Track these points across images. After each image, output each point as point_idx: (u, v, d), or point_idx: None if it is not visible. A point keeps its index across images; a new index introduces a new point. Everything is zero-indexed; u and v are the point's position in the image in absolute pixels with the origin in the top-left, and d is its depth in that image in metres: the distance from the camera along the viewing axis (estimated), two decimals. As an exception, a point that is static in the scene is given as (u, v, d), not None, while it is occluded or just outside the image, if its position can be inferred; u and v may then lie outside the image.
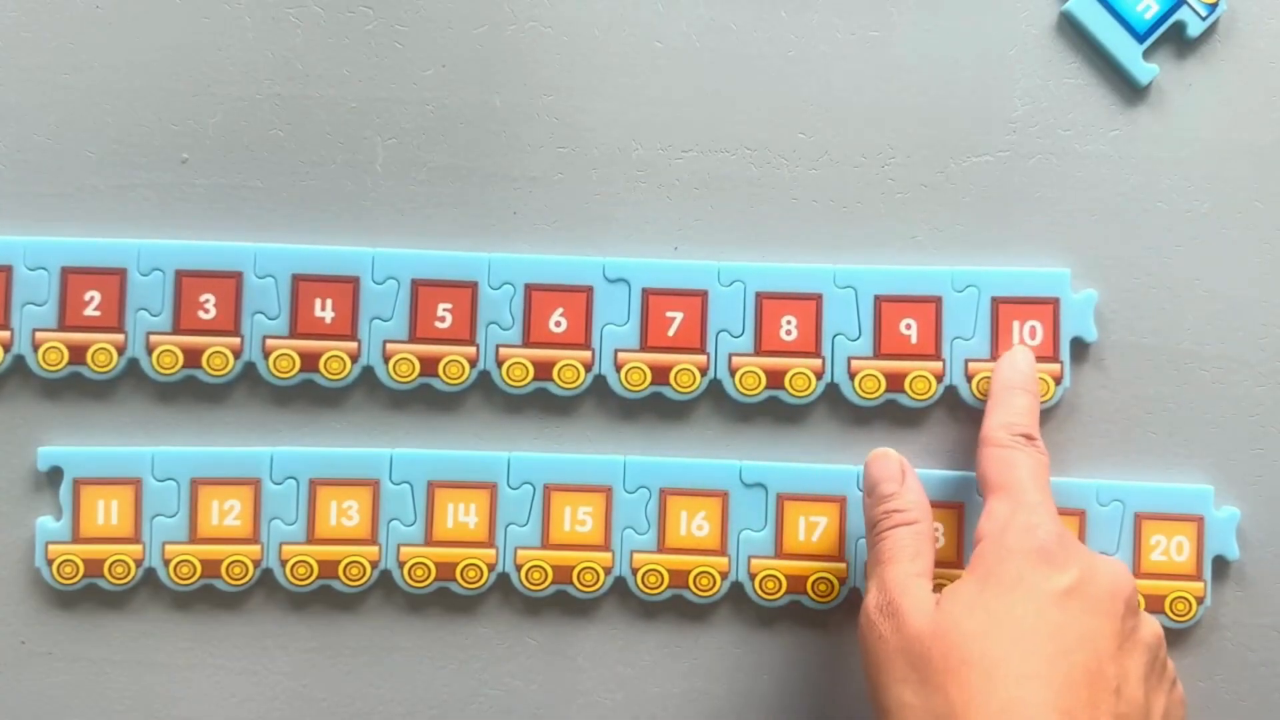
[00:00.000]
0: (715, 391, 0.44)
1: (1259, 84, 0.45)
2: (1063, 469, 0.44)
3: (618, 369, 0.44)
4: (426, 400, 0.44)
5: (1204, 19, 0.45)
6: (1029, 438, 0.40)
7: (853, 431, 0.44)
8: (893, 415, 0.44)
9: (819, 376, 0.44)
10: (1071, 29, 0.45)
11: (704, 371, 0.44)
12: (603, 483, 0.44)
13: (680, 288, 0.44)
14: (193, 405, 0.44)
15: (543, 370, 0.44)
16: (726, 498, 0.43)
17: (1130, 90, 0.45)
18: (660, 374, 0.44)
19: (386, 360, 0.44)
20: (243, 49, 0.45)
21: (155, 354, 0.43)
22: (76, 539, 0.43)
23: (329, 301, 0.43)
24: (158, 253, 0.43)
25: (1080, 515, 0.43)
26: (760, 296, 0.44)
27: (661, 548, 0.43)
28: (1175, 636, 0.44)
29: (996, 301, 0.44)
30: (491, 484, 0.44)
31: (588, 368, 0.44)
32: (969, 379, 0.44)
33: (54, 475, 0.44)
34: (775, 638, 0.44)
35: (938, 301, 0.44)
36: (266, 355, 0.43)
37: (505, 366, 0.44)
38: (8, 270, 0.43)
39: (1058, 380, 0.44)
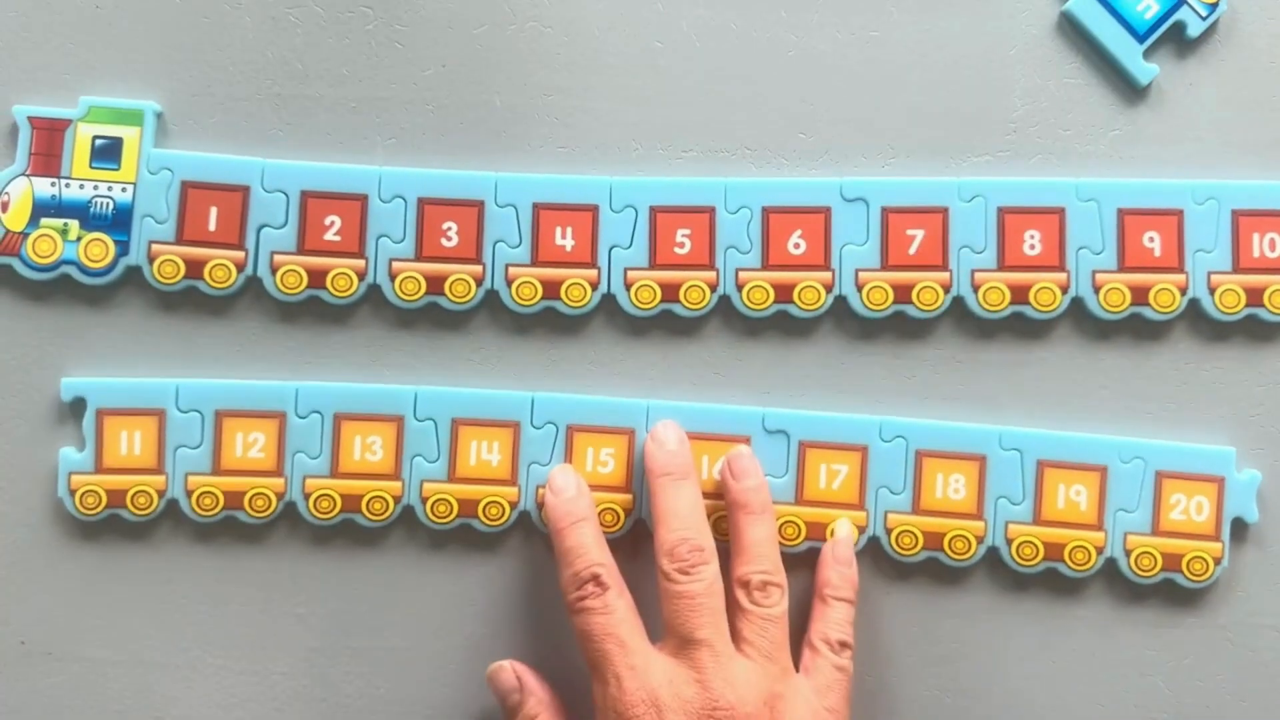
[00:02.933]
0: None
1: (1259, 84, 0.45)
2: (1086, 423, 0.44)
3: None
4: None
5: (1204, 19, 0.45)
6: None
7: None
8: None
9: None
10: (1071, 29, 0.45)
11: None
12: (625, 425, 0.44)
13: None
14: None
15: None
16: (749, 443, 0.43)
17: (1130, 90, 0.45)
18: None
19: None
20: (243, 49, 0.45)
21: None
22: (99, 470, 0.43)
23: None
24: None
25: (1102, 471, 0.43)
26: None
27: None
28: (1191, 596, 0.44)
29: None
30: (515, 423, 0.44)
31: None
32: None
33: (77, 406, 0.44)
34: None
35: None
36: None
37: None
38: None
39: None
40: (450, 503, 0.44)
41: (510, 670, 0.42)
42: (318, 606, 0.44)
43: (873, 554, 0.44)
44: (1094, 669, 0.44)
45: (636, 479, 0.44)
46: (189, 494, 0.43)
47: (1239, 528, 0.44)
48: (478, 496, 0.44)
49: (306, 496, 0.43)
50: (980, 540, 0.43)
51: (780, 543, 0.43)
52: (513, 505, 0.44)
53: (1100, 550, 0.43)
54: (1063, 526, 0.43)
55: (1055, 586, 0.44)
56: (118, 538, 0.44)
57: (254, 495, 0.43)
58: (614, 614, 0.40)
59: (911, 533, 0.43)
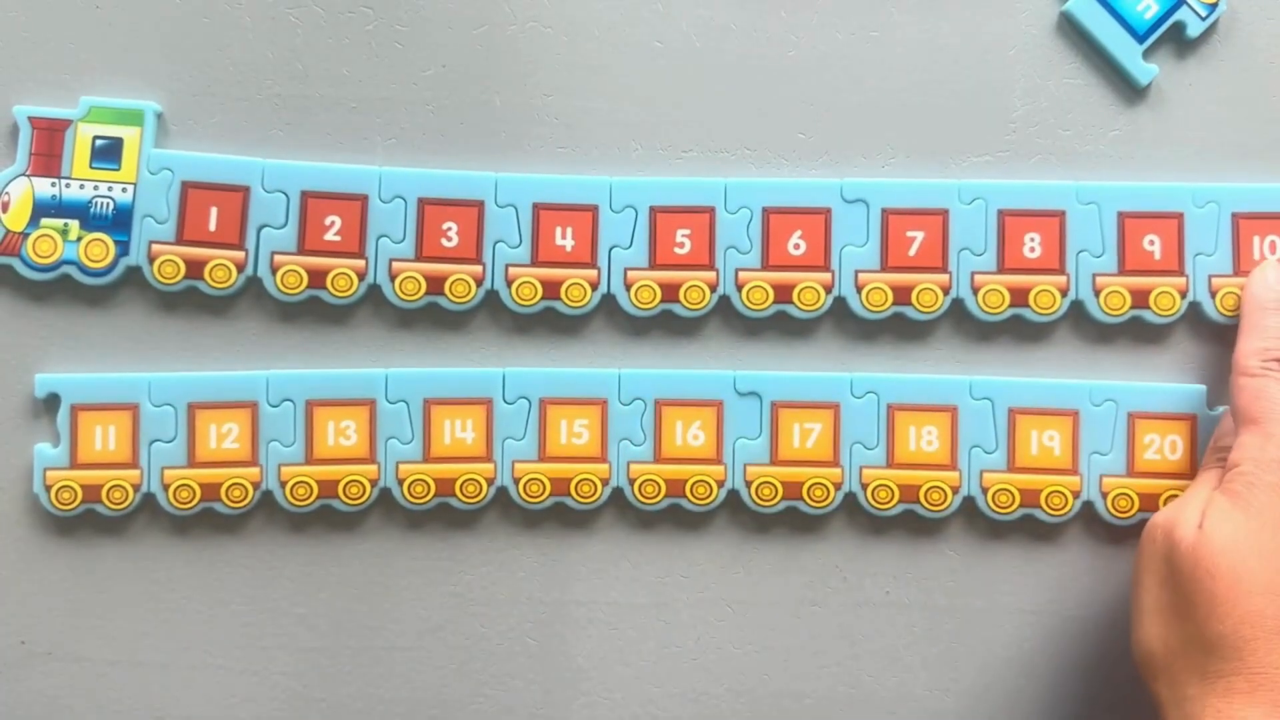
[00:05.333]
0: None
1: (1259, 84, 0.45)
2: (1057, 369, 0.44)
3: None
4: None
5: (1204, 19, 0.45)
6: None
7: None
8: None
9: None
10: (1071, 29, 0.45)
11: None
12: (598, 395, 0.44)
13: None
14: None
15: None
16: (721, 407, 0.44)
17: (1130, 90, 0.45)
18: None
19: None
20: (243, 49, 0.45)
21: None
22: (74, 465, 0.43)
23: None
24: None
25: (1074, 415, 0.44)
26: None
27: (658, 458, 0.44)
28: None
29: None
30: (488, 399, 0.44)
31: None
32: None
33: (51, 402, 0.44)
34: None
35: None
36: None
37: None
38: None
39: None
40: (427, 483, 0.44)
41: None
42: (317, 605, 0.44)
43: (849, 510, 0.44)
44: (1087, 659, 0.44)
45: (611, 449, 0.44)
46: (165, 487, 0.43)
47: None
48: (454, 475, 0.44)
49: (283, 485, 0.44)
50: (956, 491, 0.44)
51: (756, 504, 0.44)
52: (489, 481, 0.44)
53: (1076, 494, 0.44)
54: (1038, 472, 0.44)
55: (1033, 533, 0.44)
56: (94, 533, 0.44)
57: (230, 486, 0.43)
58: None
59: (887, 486, 0.44)
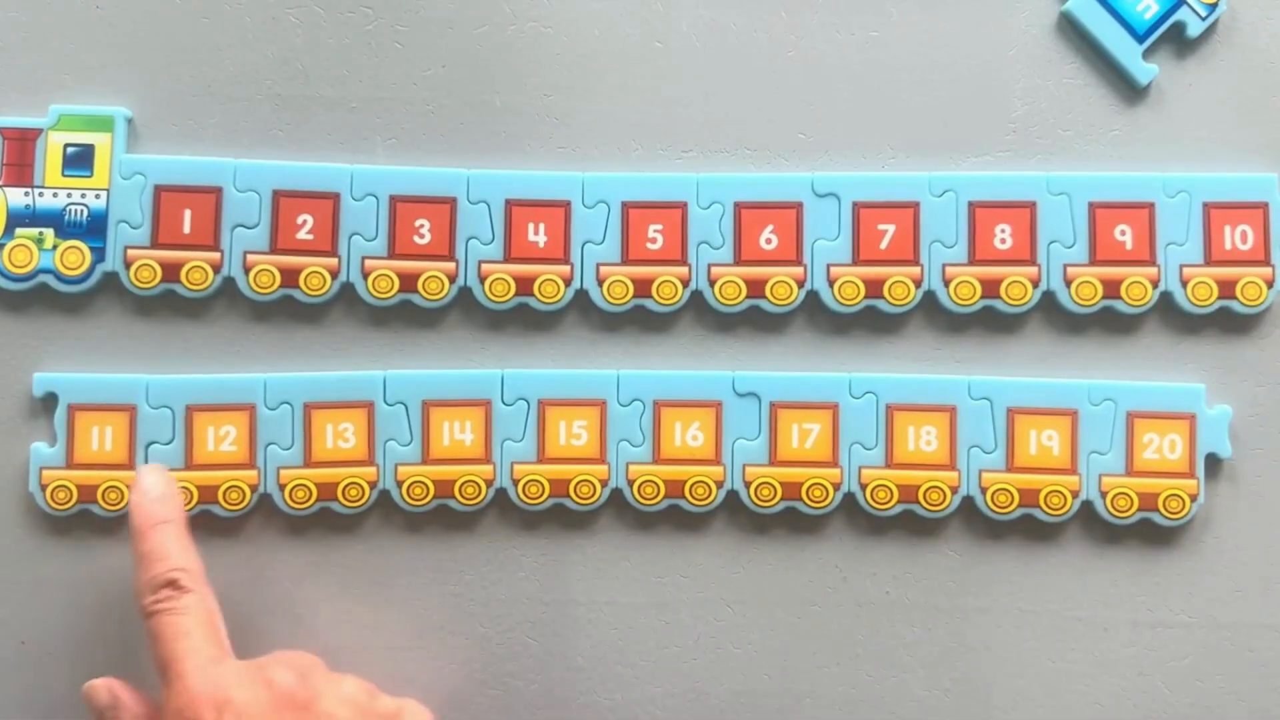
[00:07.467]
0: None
1: (1259, 84, 0.45)
2: (1054, 369, 0.44)
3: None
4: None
5: (1204, 19, 0.45)
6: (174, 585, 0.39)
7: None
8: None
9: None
10: (1071, 29, 0.45)
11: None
12: (597, 396, 0.44)
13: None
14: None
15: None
16: (720, 407, 0.44)
17: (1130, 90, 0.45)
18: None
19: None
20: (243, 49, 0.45)
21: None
22: (70, 465, 0.43)
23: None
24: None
25: (1072, 415, 0.44)
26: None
27: (657, 459, 0.44)
28: (1169, 535, 0.44)
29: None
30: (486, 401, 0.44)
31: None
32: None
33: (49, 401, 0.43)
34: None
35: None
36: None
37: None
38: None
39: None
40: (426, 485, 0.44)
41: (104, 688, 0.40)
42: (317, 606, 0.44)
43: (849, 510, 0.44)
44: (1088, 659, 0.44)
45: (610, 450, 0.44)
46: None
47: (1213, 464, 0.44)
48: (453, 477, 0.44)
49: (282, 487, 0.43)
50: (955, 491, 0.44)
51: (756, 504, 0.44)
52: (488, 483, 0.44)
53: (1075, 494, 0.44)
54: (1037, 472, 0.44)
55: (1033, 532, 0.44)
56: (92, 533, 0.44)
57: (228, 489, 0.43)
58: (189, 614, 0.38)
59: (886, 486, 0.44)
